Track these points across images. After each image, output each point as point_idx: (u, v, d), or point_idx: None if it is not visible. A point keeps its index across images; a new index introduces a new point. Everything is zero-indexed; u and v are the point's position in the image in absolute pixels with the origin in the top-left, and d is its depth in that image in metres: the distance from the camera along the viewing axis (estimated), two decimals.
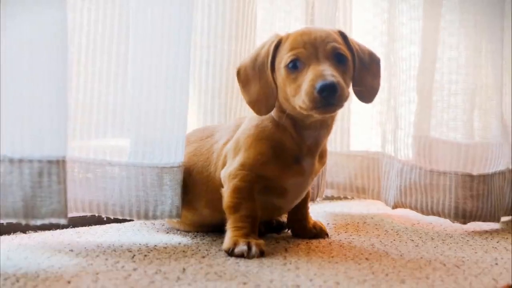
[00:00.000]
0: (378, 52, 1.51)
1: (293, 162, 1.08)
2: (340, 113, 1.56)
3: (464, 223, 1.36)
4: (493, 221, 1.38)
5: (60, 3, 0.96)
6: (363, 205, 1.65)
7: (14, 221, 0.95)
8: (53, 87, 0.96)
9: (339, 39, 1.05)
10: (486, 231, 1.33)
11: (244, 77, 1.08)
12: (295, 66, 1.01)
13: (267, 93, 1.05)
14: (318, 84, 0.96)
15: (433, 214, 1.38)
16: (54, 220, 0.96)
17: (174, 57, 1.10)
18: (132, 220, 1.26)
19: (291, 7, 1.49)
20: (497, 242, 1.21)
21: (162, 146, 1.11)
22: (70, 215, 1.22)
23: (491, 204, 1.36)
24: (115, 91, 1.13)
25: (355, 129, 1.62)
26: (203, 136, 1.20)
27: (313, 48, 1.01)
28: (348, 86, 1.03)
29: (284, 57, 1.03)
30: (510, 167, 1.44)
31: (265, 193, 1.09)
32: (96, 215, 1.12)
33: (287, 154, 1.07)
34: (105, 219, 1.18)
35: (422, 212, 1.40)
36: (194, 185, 1.15)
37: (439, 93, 1.42)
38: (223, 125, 1.23)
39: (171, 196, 1.11)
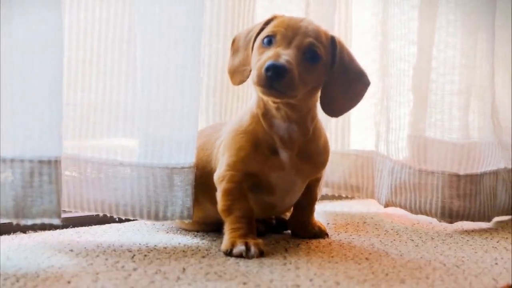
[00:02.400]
0: (377, 52, 1.52)
1: (270, 154, 1.07)
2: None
3: (451, 222, 1.36)
4: (482, 221, 1.38)
5: (54, 3, 0.96)
6: (363, 205, 1.65)
7: (5, 220, 0.96)
8: (47, 88, 0.96)
9: (325, 41, 1.05)
10: (486, 231, 1.33)
11: (236, 46, 1.12)
12: (269, 42, 1.02)
13: (245, 64, 1.08)
14: (268, 62, 0.96)
15: (421, 213, 1.38)
16: (46, 220, 0.96)
17: (183, 56, 1.10)
18: (133, 220, 1.26)
19: (292, 6, 1.49)
20: (497, 242, 1.21)
21: (171, 146, 1.11)
22: (72, 215, 1.23)
23: (480, 204, 1.36)
24: (126, 90, 1.13)
25: (353, 129, 1.62)
26: (213, 131, 1.20)
27: (292, 33, 1.02)
28: (306, 84, 1.01)
29: (264, 31, 1.04)
30: (509, 167, 1.45)
31: (255, 191, 1.09)
32: (108, 215, 1.13)
33: (263, 145, 1.07)
34: (116, 219, 1.18)
35: (411, 211, 1.40)
36: (200, 178, 1.15)
37: (432, 92, 1.42)
38: (229, 121, 1.23)
39: (181, 197, 1.11)
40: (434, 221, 1.42)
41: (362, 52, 1.56)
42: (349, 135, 1.60)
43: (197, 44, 1.11)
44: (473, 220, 1.36)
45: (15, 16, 0.93)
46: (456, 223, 1.38)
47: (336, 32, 1.50)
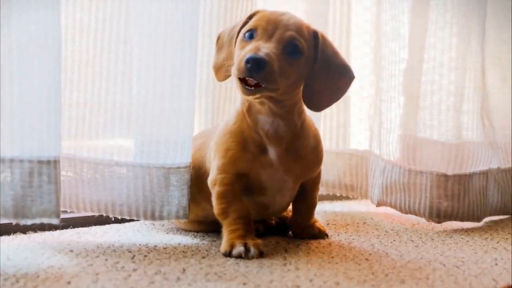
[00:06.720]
0: (374, 52, 1.52)
1: (258, 151, 1.07)
2: (328, 112, 1.56)
3: (439, 222, 1.37)
4: (472, 221, 1.38)
5: (53, 3, 0.96)
6: (363, 205, 1.65)
7: (4, 220, 0.96)
8: (45, 87, 0.96)
9: (306, 34, 1.04)
10: (486, 232, 1.33)
11: (221, 43, 1.12)
12: (250, 36, 1.03)
13: (229, 60, 1.08)
14: (248, 55, 0.96)
15: (411, 212, 1.39)
16: (45, 220, 0.96)
17: (179, 56, 1.10)
18: (133, 220, 1.26)
19: (288, 6, 1.48)
20: (497, 242, 1.21)
21: (168, 146, 1.12)
22: (72, 215, 1.23)
23: (469, 204, 1.36)
24: (122, 90, 1.13)
25: (351, 128, 1.62)
26: (208, 133, 1.21)
27: (273, 27, 1.02)
28: (287, 78, 1.01)
29: (246, 26, 1.05)
30: (502, 167, 1.44)
31: (247, 192, 1.09)
32: (104, 215, 1.13)
33: (250, 143, 1.07)
34: (113, 218, 1.18)
35: (401, 211, 1.40)
36: (196, 178, 1.15)
37: (422, 92, 1.42)
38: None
39: (177, 197, 1.12)
40: None
41: (361, 52, 1.57)
42: (346, 134, 1.59)
43: (193, 45, 1.12)
44: (461, 220, 1.37)
45: (14, 16, 0.93)
46: (456, 224, 1.38)
47: (332, 31, 1.50)
